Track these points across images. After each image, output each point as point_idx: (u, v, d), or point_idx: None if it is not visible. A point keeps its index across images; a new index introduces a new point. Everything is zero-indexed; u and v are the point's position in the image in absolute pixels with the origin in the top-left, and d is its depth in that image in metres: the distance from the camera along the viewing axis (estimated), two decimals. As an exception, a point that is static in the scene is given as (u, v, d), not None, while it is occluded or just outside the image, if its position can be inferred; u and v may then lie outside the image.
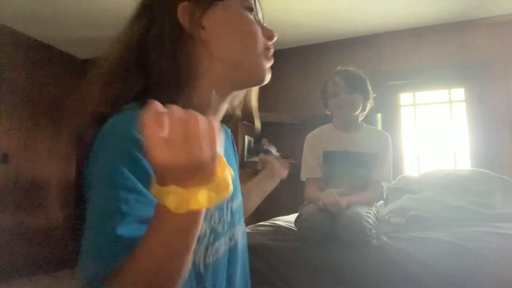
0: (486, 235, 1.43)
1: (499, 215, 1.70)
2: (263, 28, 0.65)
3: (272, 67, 0.67)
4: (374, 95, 1.78)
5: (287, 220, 1.82)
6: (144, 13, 0.61)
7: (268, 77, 0.66)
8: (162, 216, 0.40)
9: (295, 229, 1.61)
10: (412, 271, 1.33)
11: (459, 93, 3.59)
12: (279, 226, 1.70)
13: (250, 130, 3.82)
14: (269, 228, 1.69)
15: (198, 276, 0.58)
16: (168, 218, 0.40)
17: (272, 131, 3.98)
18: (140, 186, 0.48)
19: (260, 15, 0.67)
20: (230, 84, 0.64)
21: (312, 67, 3.94)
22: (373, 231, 1.46)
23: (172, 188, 0.38)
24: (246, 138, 3.71)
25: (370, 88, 1.75)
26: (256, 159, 3.59)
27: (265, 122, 3.82)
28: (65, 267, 3.76)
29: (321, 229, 1.48)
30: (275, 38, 0.66)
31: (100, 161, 0.51)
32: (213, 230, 0.61)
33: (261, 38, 0.63)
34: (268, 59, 0.65)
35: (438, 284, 1.28)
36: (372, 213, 1.55)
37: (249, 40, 0.62)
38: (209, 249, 0.60)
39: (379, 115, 3.44)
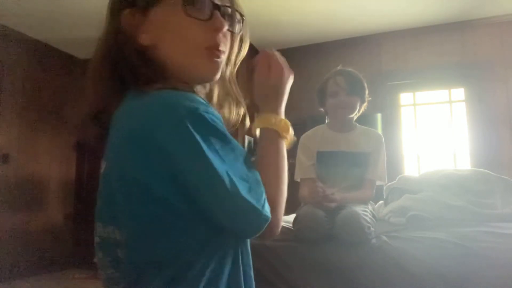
0: (486, 235, 1.43)
1: (499, 215, 1.70)
2: (212, 19, 0.62)
3: None
4: (369, 98, 1.78)
5: (287, 220, 1.82)
6: (106, 25, 0.65)
7: (214, 73, 0.66)
8: (273, 138, 0.69)
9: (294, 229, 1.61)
10: (411, 270, 1.33)
11: (459, 93, 3.59)
12: (279, 226, 1.70)
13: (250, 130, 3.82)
14: (269, 228, 1.69)
15: (237, 254, 0.63)
16: (277, 139, 0.69)
17: (272, 131, 3.96)
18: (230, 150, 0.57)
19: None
20: (189, 82, 0.66)
21: (312, 67, 3.94)
22: (372, 228, 1.46)
23: (280, 117, 0.71)
24: (246, 138, 3.71)
25: (367, 91, 1.75)
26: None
27: (265, 122, 3.81)
28: (65, 267, 3.76)
29: (320, 229, 1.48)
30: (224, 29, 0.64)
31: (181, 136, 0.52)
32: None
33: (195, 39, 0.62)
34: (209, 56, 0.64)
35: (437, 283, 1.28)
36: (368, 211, 1.55)
37: (179, 45, 0.62)
38: None
39: (379, 115, 3.44)
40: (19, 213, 3.54)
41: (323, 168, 1.74)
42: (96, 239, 0.63)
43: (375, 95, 1.81)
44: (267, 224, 0.56)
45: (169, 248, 0.56)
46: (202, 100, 0.57)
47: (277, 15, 3.33)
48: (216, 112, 0.57)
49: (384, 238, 1.48)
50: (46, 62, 3.93)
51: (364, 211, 1.50)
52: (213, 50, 0.64)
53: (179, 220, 0.56)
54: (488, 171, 1.99)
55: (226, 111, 0.75)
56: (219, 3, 0.64)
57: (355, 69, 1.80)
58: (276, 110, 0.72)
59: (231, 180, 0.53)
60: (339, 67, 1.81)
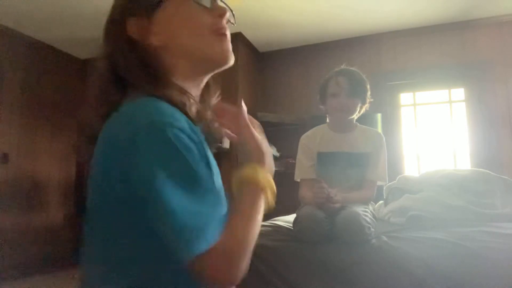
0: (486, 235, 1.43)
1: (499, 215, 1.70)
2: (213, 8, 0.68)
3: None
4: (372, 100, 1.77)
5: (287, 220, 1.82)
6: (108, 37, 0.69)
7: (229, 57, 0.69)
8: (256, 195, 0.62)
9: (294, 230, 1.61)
10: (411, 270, 1.33)
11: (459, 93, 3.59)
12: (279, 226, 1.70)
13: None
14: (269, 228, 1.69)
15: None
16: (259, 197, 0.62)
17: (272, 131, 3.97)
18: (208, 183, 0.56)
19: None
20: (198, 72, 0.70)
21: (312, 67, 3.94)
22: (372, 229, 1.46)
23: (266, 176, 0.65)
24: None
25: (369, 93, 1.74)
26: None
27: (265, 122, 3.82)
28: (65, 267, 3.76)
29: (320, 230, 1.48)
30: (227, 14, 0.69)
31: (154, 155, 0.53)
32: None
33: (205, 23, 0.67)
34: (221, 39, 0.68)
35: (437, 284, 1.28)
36: (369, 211, 1.55)
37: (193, 31, 0.66)
38: None
39: (379, 115, 3.44)
40: (19, 213, 3.54)
41: (323, 169, 1.74)
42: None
43: (375, 95, 1.80)
44: (189, 261, 0.52)
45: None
46: (175, 115, 0.56)
47: (277, 15, 3.33)
48: (187, 128, 0.56)
49: (384, 238, 1.48)
50: (46, 62, 3.93)
51: (365, 212, 1.50)
52: (221, 33, 0.68)
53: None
54: (488, 171, 1.99)
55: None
56: None
57: (358, 69, 1.79)
58: (261, 164, 0.68)
59: (164, 200, 0.52)
60: (342, 66, 1.79)
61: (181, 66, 0.67)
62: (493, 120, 3.34)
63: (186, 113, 0.60)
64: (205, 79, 0.73)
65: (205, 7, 0.67)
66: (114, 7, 0.70)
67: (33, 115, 3.77)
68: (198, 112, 0.66)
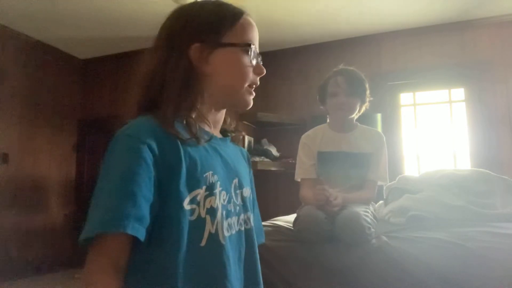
0: (486, 235, 1.43)
1: (499, 215, 1.70)
2: (256, 65, 0.81)
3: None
4: (371, 99, 1.77)
5: (287, 220, 1.82)
6: (164, 46, 0.77)
7: (250, 105, 0.84)
8: None
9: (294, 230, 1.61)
10: (411, 271, 1.33)
11: (459, 93, 3.59)
12: (278, 226, 1.70)
13: (250, 130, 3.82)
14: (269, 228, 1.69)
15: (219, 246, 0.69)
16: None
17: (272, 131, 3.97)
18: (143, 188, 0.62)
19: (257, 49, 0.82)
20: (222, 105, 0.83)
21: (312, 67, 3.94)
22: (372, 229, 1.46)
23: None
24: (246, 138, 3.71)
25: (368, 92, 1.74)
26: (256, 158, 3.60)
27: (265, 122, 3.81)
28: (65, 267, 3.76)
29: (320, 230, 1.47)
30: (263, 73, 0.83)
31: (114, 158, 0.64)
32: (224, 207, 0.73)
33: (249, 78, 0.80)
34: (251, 93, 0.83)
35: (437, 284, 1.28)
36: (369, 212, 1.55)
37: (239, 79, 0.80)
38: (224, 222, 0.72)
39: (379, 115, 3.44)
40: (19, 213, 3.54)
41: (324, 168, 1.74)
42: None
43: (375, 95, 1.80)
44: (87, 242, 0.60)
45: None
46: (148, 133, 0.66)
47: (277, 15, 3.33)
48: (149, 141, 0.65)
49: (384, 238, 1.48)
50: (46, 62, 3.93)
51: (365, 212, 1.50)
52: (252, 88, 0.82)
53: None
54: (488, 171, 1.99)
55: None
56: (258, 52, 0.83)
57: (356, 69, 1.79)
58: None
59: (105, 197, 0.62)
60: (341, 66, 1.80)
61: (213, 96, 0.78)
62: (493, 120, 3.34)
63: (175, 134, 0.69)
64: (225, 109, 0.86)
65: (251, 64, 0.81)
66: (186, 24, 0.77)
67: (33, 115, 3.77)
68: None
